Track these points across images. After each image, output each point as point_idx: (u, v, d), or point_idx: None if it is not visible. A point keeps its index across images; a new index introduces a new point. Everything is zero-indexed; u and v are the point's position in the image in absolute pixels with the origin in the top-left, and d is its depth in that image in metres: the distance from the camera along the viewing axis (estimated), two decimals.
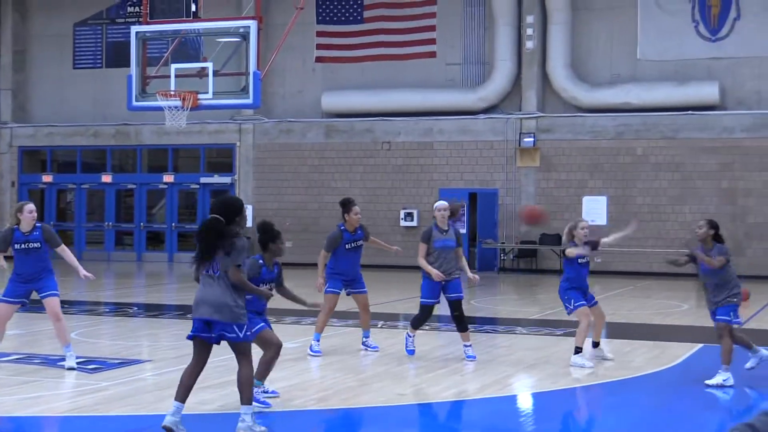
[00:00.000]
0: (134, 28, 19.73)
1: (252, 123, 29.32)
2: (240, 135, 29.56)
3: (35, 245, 10.59)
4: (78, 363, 10.69)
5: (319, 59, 28.91)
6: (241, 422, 7.55)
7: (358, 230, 12.03)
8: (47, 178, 31.63)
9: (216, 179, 29.99)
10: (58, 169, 32.22)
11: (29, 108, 32.02)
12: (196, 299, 7.57)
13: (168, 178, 30.41)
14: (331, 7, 28.76)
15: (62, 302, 17.87)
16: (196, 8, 19.52)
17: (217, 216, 7.54)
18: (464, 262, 11.86)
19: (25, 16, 31.90)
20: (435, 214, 11.57)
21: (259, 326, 8.56)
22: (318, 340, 11.84)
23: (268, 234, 8.66)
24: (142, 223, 30.51)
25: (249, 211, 28.40)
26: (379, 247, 12.96)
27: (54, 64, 31.55)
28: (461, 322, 11.56)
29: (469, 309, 18.87)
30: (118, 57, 29.40)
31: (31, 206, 10.75)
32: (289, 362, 11.10)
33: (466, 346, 11.60)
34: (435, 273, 11.37)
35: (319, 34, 28.82)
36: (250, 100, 19.23)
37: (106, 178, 31.03)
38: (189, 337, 7.64)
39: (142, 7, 20.14)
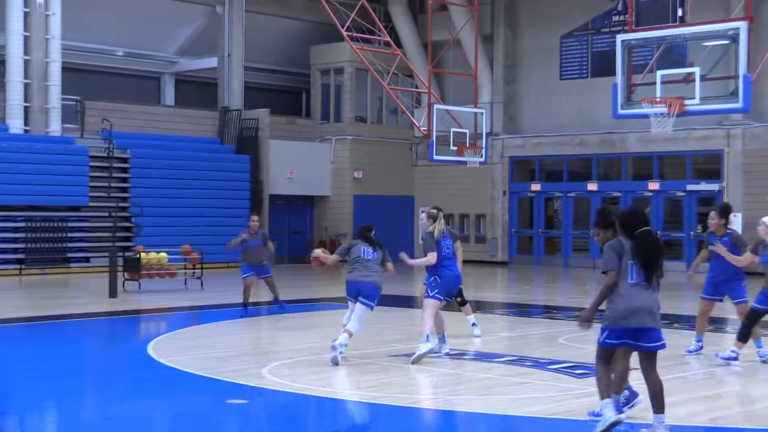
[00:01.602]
0: (619, 37, 19.84)
1: (741, 128, 28.24)
2: (728, 140, 28.59)
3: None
4: (566, 367, 11.01)
5: None
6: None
7: (724, 236, 11.77)
8: (535, 186, 32.70)
9: (703, 186, 29.26)
10: (546, 177, 33.17)
11: (518, 119, 33.33)
12: (632, 307, 7.71)
13: (653, 185, 30.17)
14: None
15: (550, 308, 18.45)
16: (683, 13, 19.25)
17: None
18: None
19: (516, 33, 33.26)
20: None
21: None
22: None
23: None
24: None
25: (738, 219, 27.40)
26: None
27: (541, 76, 32.61)
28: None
29: None
30: (603, 66, 29.69)
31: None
32: None
33: None
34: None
35: None
36: (739, 104, 18.61)
37: (592, 186, 31.43)
38: (617, 345, 7.81)
39: (627, 16, 20.24)
